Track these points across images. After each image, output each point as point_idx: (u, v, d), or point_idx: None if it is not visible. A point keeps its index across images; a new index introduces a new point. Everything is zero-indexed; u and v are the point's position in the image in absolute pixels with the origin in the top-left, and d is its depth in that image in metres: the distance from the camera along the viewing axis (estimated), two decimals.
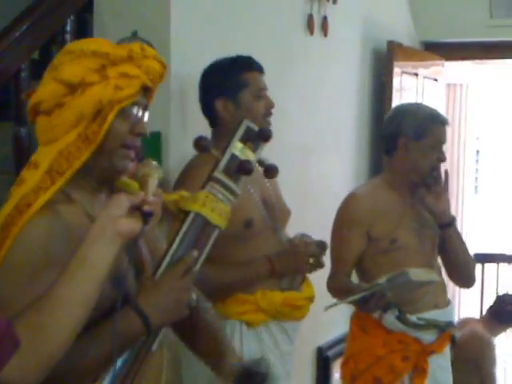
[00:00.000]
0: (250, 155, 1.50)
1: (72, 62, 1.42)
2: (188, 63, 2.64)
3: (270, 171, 1.55)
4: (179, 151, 2.60)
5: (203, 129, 2.43)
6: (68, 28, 2.62)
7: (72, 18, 2.64)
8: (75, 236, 1.34)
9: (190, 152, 2.38)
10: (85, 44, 1.46)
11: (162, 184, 1.48)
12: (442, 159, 2.66)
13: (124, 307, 1.36)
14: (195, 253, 1.43)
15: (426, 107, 2.85)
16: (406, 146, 2.67)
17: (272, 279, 2.38)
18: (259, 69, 2.42)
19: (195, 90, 2.51)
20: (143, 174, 1.43)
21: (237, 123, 1.54)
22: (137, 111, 1.47)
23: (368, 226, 2.65)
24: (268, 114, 2.41)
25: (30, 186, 1.39)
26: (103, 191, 1.51)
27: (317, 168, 3.77)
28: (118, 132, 1.44)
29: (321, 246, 2.43)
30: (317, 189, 3.76)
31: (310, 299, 2.50)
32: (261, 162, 1.55)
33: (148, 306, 1.37)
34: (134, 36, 2.54)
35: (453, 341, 2.79)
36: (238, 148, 1.50)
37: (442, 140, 2.68)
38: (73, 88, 1.41)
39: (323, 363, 3.92)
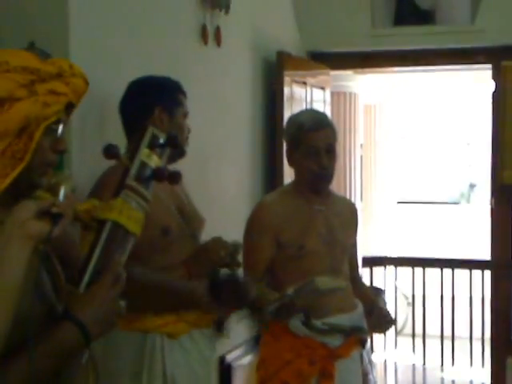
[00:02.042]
0: (157, 162, 1.51)
1: (0, 76, 1.37)
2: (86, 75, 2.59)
3: (174, 177, 1.56)
4: (80, 164, 2.56)
5: (104, 141, 2.40)
6: None
7: None
8: None
9: (91, 165, 2.37)
10: (9, 55, 1.41)
11: (74, 193, 1.46)
12: (320, 164, 2.67)
13: (58, 319, 1.33)
14: (122, 260, 1.42)
15: (307, 114, 2.86)
16: (291, 156, 2.74)
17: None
18: (186, 94, 2.56)
19: (94, 100, 2.49)
20: (55, 183, 1.41)
21: (141, 130, 1.54)
22: (59, 128, 1.45)
23: (276, 233, 2.69)
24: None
25: None
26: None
27: (214, 177, 3.80)
28: (42, 149, 1.42)
29: (234, 245, 2.44)
30: (215, 195, 3.79)
31: None
32: (165, 169, 1.56)
33: (85, 316, 1.34)
34: (32, 47, 2.48)
35: (362, 345, 2.85)
36: (145, 154, 1.50)
37: (318, 145, 2.67)
38: None
39: (226, 372, 3.93)
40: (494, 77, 5.12)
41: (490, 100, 5.19)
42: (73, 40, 2.54)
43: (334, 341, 2.69)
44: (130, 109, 2.47)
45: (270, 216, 2.71)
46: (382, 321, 2.79)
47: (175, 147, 1.55)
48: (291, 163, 2.78)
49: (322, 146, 2.67)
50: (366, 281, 6.58)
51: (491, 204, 5.20)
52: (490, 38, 4.96)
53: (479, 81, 7.52)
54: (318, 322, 2.64)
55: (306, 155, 2.68)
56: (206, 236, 2.56)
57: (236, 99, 4.17)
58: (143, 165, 1.49)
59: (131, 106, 2.47)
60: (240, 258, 2.47)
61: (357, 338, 2.79)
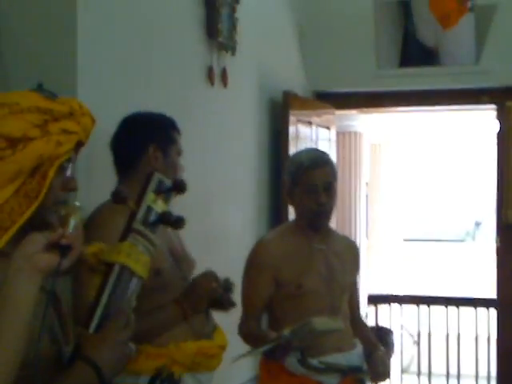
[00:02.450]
0: (163, 206, 1.55)
1: (13, 116, 1.41)
2: (95, 116, 2.64)
3: (179, 222, 1.59)
4: (86, 202, 2.58)
5: (108, 180, 2.43)
6: None
7: None
8: None
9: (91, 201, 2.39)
10: (19, 97, 1.45)
11: (84, 225, 1.48)
12: (319, 202, 2.68)
13: (73, 360, 1.34)
14: (133, 304, 1.44)
15: (306, 153, 2.87)
16: (290, 194, 2.77)
17: (184, 327, 2.37)
18: (179, 131, 2.51)
19: (101, 142, 2.52)
20: (64, 214, 1.43)
21: (146, 175, 1.58)
22: (70, 167, 1.48)
23: (275, 271, 2.70)
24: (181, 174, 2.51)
25: None
26: None
27: (219, 217, 3.82)
28: (54, 188, 1.45)
29: (226, 280, 2.43)
30: (219, 236, 3.81)
31: (223, 347, 2.50)
32: (170, 213, 1.59)
33: (100, 358, 1.36)
34: (40, 88, 2.52)
35: None
36: (151, 199, 1.54)
37: (315, 183, 2.69)
38: (13, 142, 1.40)
39: None
40: (499, 117, 5.16)
41: (495, 139, 5.22)
42: (81, 81, 2.58)
43: (331, 380, 2.67)
44: (123, 146, 2.43)
45: (269, 254, 2.72)
46: (376, 370, 2.77)
47: (182, 192, 1.58)
48: (291, 201, 2.81)
49: (320, 183, 2.69)
50: (371, 319, 6.56)
51: (496, 242, 5.20)
52: (494, 79, 5.01)
53: (484, 119, 7.57)
54: (314, 361, 2.63)
55: (305, 193, 2.70)
56: None
57: (242, 138, 4.22)
58: (149, 209, 1.52)
59: (124, 144, 2.43)
60: (233, 296, 2.46)
61: (355, 378, 2.78)
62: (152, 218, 1.52)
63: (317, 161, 2.73)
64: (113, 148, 2.46)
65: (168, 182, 1.57)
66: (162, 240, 2.38)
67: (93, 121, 1.53)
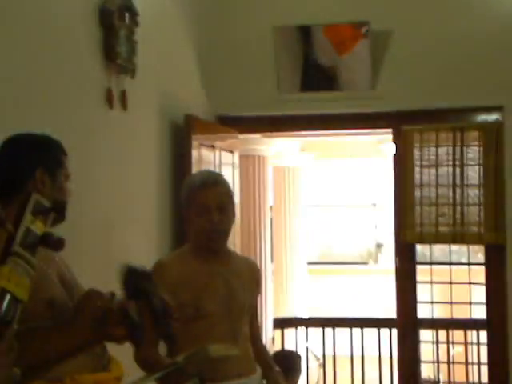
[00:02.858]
0: (41, 227, 1.52)
1: None
2: None
3: (58, 244, 1.56)
4: None
5: None
6: None
7: None
8: None
9: None
10: None
11: None
12: (211, 221, 2.70)
13: None
14: (14, 328, 1.39)
15: (199, 174, 2.92)
16: (186, 216, 2.77)
17: (80, 359, 2.29)
18: (66, 154, 2.40)
19: None
20: None
21: (25, 196, 1.54)
22: None
23: (172, 294, 2.67)
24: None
25: None
26: None
27: (120, 242, 3.76)
28: None
29: (111, 293, 2.34)
30: (120, 260, 3.74)
31: (119, 378, 2.44)
32: (49, 235, 1.56)
33: None
34: None
35: None
36: (29, 220, 1.51)
37: (208, 203, 2.71)
38: None
39: None
40: (395, 140, 5.32)
41: (392, 162, 5.38)
42: None
43: None
44: (7, 170, 2.28)
45: (165, 276, 2.69)
46: None
47: (61, 213, 1.56)
48: (187, 224, 2.81)
49: (212, 203, 2.71)
50: (278, 342, 6.60)
51: (395, 263, 5.33)
52: (389, 104, 5.18)
53: (384, 142, 7.80)
54: None
55: (198, 214, 2.71)
56: None
57: (144, 162, 4.18)
58: (28, 231, 1.49)
59: (8, 168, 2.28)
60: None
61: None
62: (31, 239, 1.49)
63: (208, 181, 2.76)
64: None
65: (46, 203, 1.55)
66: (52, 269, 2.31)
67: None
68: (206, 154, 4.85)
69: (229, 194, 2.80)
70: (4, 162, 2.30)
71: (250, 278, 2.88)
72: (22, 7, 2.89)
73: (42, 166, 2.27)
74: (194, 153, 4.65)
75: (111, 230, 3.69)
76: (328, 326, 6.57)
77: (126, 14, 3.67)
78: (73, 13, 3.31)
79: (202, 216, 2.70)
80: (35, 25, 2.98)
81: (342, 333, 6.46)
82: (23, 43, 2.88)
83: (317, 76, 5.27)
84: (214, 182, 2.75)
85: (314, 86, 5.28)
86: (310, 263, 8.80)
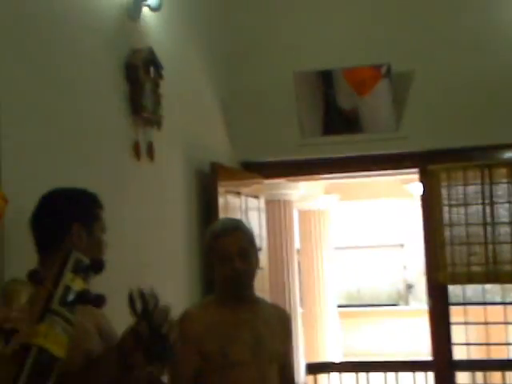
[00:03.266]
0: (81, 285, 1.53)
1: None
2: (18, 197, 2.60)
3: (99, 301, 1.56)
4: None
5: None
6: None
7: None
8: None
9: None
10: None
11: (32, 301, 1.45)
12: (233, 268, 2.67)
13: None
14: None
15: (219, 222, 2.93)
16: (209, 265, 2.77)
17: None
18: (103, 207, 2.45)
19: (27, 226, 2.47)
20: (11, 290, 1.39)
21: (65, 254, 1.55)
22: None
23: (199, 343, 2.66)
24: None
25: None
26: None
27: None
28: None
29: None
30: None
31: None
32: (89, 292, 1.56)
33: None
34: None
35: None
36: (69, 278, 1.52)
37: (228, 250, 2.69)
38: None
39: None
40: (422, 179, 5.30)
41: (420, 202, 5.35)
42: (5, 166, 2.54)
43: None
44: (45, 225, 2.34)
45: (192, 326, 2.68)
46: None
47: (99, 271, 1.56)
48: (211, 273, 2.79)
49: (234, 249, 2.68)
50: None
51: (428, 304, 5.27)
52: (414, 144, 5.17)
53: (409, 182, 7.78)
54: None
55: (220, 261, 2.70)
56: None
57: (172, 211, 4.21)
58: (67, 289, 1.50)
59: (46, 222, 2.34)
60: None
61: None
62: (70, 297, 1.50)
63: (228, 228, 2.74)
64: (33, 226, 2.36)
65: (86, 261, 1.56)
66: (90, 322, 2.32)
67: (4, 201, 1.49)
68: (232, 200, 4.87)
69: (250, 239, 2.78)
70: (42, 217, 2.35)
71: (279, 326, 2.84)
72: (54, 64, 2.96)
73: (79, 220, 2.32)
74: (221, 199, 4.67)
75: (142, 279, 3.69)
76: (361, 370, 6.48)
77: (151, 68, 3.73)
78: (100, 69, 3.38)
79: (224, 263, 2.69)
80: (66, 82, 3.05)
81: (376, 376, 6.36)
82: (55, 99, 2.94)
83: (339, 119, 5.30)
84: (234, 228, 2.74)
85: (337, 130, 5.29)
86: (339, 306, 8.73)
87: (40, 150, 2.82)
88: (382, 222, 10.16)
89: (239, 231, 2.74)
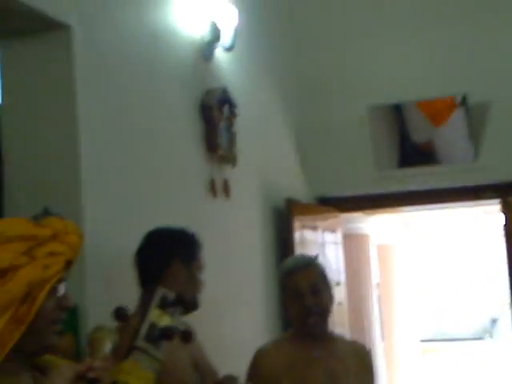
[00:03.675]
0: (168, 321, 1.56)
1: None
2: (100, 235, 2.69)
3: (186, 337, 1.60)
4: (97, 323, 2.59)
5: (119, 300, 2.45)
6: None
7: None
8: None
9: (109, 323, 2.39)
10: (4, 226, 1.47)
11: (116, 349, 1.50)
12: (305, 306, 2.62)
13: None
14: None
15: (291, 259, 2.88)
16: (283, 302, 2.76)
17: None
18: (202, 247, 2.59)
19: (109, 262, 2.55)
20: (95, 338, 1.45)
21: (151, 291, 1.61)
22: (62, 286, 1.49)
23: (274, 381, 2.66)
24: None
25: None
26: (26, 369, 1.48)
27: (231, 326, 3.81)
28: (47, 310, 1.45)
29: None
30: (231, 345, 3.78)
31: None
32: (176, 328, 1.60)
33: None
34: (46, 211, 2.58)
35: None
36: (155, 315, 1.56)
37: (300, 287, 2.65)
38: (2, 273, 1.40)
39: None
40: (504, 210, 5.18)
41: (502, 233, 5.23)
42: (85, 204, 2.65)
43: None
44: (148, 259, 2.48)
45: (266, 365, 2.66)
46: None
47: (184, 306, 1.60)
48: (285, 310, 2.79)
49: (305, 287, 2.64)
50: None
51: None
52: (493, 175, 5.07)
53: (489, 212, 7.61)
54: None
55: (292, 299, 2.68)
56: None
57: (248, 247, 4.25)
58: (153, 325, 1.54)
59: (149, 257, 2.48)
60: None
61: None
62: (155, 334, 1.54)
63: (299, 264, 2.70)
64: (136, 262, 2.51)
65: (171, 297, 1.59)
66: (185, 354, 2.39)
67: (80, 237, 1.54)
68: (309, 234, 4.88)
69: (322, 275, 2.75)
70: (144, 253, 2.50)
71: (356, 361, 2.78)
72: (133, 106, 3.09)
73: (179, 256, 2.46)
74: (297, 234, 4.69)
75: (221, 314, 3.74)
76: None
77: (225, 107, 3.82)
78: (177, 109, 3.49)
79: (296, 301, 2.67)
80: (145, 123, 3.17)
81: None
82: (134, 140, 3.05)
83: (414, 151, 5.26)
84: (306, 265, 2.70)
85: (413, 162, 5.25)
86: (422, 340, 8.55)
87: (120, 189, 2.92)
88: (463, 254, 9.94)
89: (311, 267, 2.72)
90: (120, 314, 1.58)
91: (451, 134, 5.07)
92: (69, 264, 1.52)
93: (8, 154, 2.74)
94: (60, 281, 1.48)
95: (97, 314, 2.63)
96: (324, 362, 2.68)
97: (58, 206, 2.54)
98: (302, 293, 2.65)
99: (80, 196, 2.65)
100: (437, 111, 5.06)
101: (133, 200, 3.00)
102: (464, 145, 5.09)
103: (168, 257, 2.45)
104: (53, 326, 1.47)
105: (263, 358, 2.71)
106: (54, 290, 1.47)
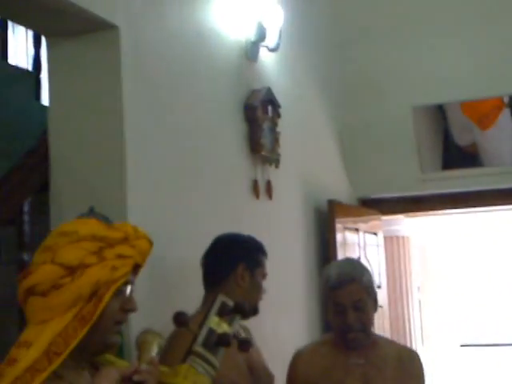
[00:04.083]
0: (226, 328, 1.56)
1: (71, 246, 1.46)
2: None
3: (244, 345, 1.60)
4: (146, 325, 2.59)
5: (168, 302, 2.46)
6: (26, 209, 2.66)
7: (29, 199, 2.69)
8: None
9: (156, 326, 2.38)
10: (78, 225, 1.52)
11: (163, 352, 1.50)
12: (346, 322, 2.57)
13: None
14: None
15: (335, 268, 2.72)
16: (326, 309, 2.72)
17: None
18: (267, 256, 2.68)
19: (150, 263, 2.54)
20: (142, 341, 1.46)
21: (212, 299, 1.62)
22: (128, 289, 1.52)
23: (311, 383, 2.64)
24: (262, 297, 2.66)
25: (24, 367, 1.38)
26: (85, 367, 1.51)
27: (272, 329, 3.79)
28: (112, 310, 1.48)
29: None
30: (273, 348, 3.75)
31: None
32: (235, 336, 1.60)
33: None
34: (92, 212, 2.59)
35: None
36: (214, 322, 1.56)
37: (342, 303, 2.57)
38: (71, 270, 1.44)
39: None
40: None
41: None
42: (130, 205, 2.65)
43: None
44: (214, 262, 2.56)
45: (304, 367, 2.65)
46: None
47: (243, 314, 1.60)
48: (326, 315, 2.75)
49: (348, 303, 2.57)
50: None
51: None
52: None
53: None
54: None
55: (334, 312, 2.62)
56: None
57: (290, 249, 4.23)
58: (211, 332, 1.54)
59: (215, 259, 2.55)
60: None
61: None
62: (213, 340, 1.55)
63: (342, 279, 2.60)
64: (203, 264, 2.59)
65: (231, 304, 1.59)
66: (242, 357, 2.40)
67: (150, 243, 1.58)
68: (350, 236, 4.84)
69: (366, 289, 2.61)
70: (211, 257, 2.58)
71: (398, 369, 2.71)
72: (179, 106, 3.09)
73: (245, 262, 2.54)
74: (339, 236, 4.65)
75: (263, 318, 3.71)
76: None
77: (269, 107, 3.80)
78: (221, 110, 3.49)
79: (338, 315, 2.61)
80: (189, 123, 3.17)
81: None
82: (179, 140, 3.06)
83: (458, 153, 5.19)
84: (350, 280, 2.58)
85: (456, 164, 5.19)
86: (462, 345, 8.43)
87: (164, 189, 2.93)
88: (506, 257, 9.78)
89: (355, 282, 2.59)
90: (179, 319, 1.59)
91: (497, 137, 4.99)
92: (137, 268, 1.55)
93: (55, 154, 2.76)
94: (126, 283, 1.51)
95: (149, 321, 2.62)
96: (361, 368, 2.63)
97: (103, 207, 2.57)
98: (344, 309, 2.58)
99: (125, 197, 2.66)
100: (483, 114, 4.98)
101: (176, 200, 3.01)
102: (509, 147, 5.00)
103: (234, 261, 2.53)
104: (115, 326, 1.50)
105: (300, 360, 2.69)
106: (119, 291, 1.49)
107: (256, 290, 2.55)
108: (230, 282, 2.50)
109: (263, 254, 2.64)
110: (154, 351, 1.45)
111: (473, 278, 9.97)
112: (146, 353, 1.44)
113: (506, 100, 4.89)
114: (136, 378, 1.34)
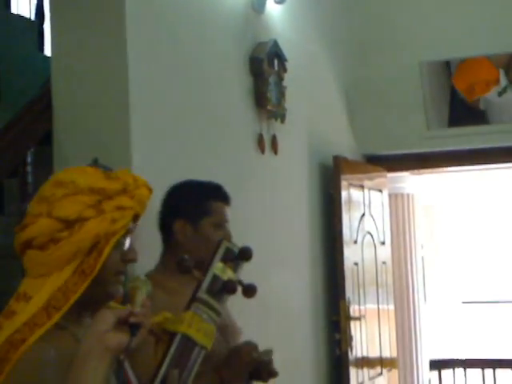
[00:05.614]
0: (231, 275, 1.53)
1: (68, 199, 1.43)
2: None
3: (250, 291, 1.57)
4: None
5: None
6: (29, 160, 2.65)
7: (32, 149, 2.67)
8: (67, 363, 1.33)
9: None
10: (75, 175, 1.47)
11: (151, 298, 1.48)
12: None
13: None
14: (192, 372, 1.42)
15: None
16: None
17: None
18: (225, 199, 2.34)
19: (154, 215, 2.54)
20: (131, 287, 1.44)
21: (215, 243, 1.57)
22: (128, 239, 1.50)
23: None
24: None
25: (23, 320, 1.38)
26: (87, 315, 1.51)
27: (276, 283, 3.79)
28: (112, 262, 1.46)
29: (266, 351, 2.33)
30: (276, 304, 3.77)
31: None
32: (240, 282, 1.57)
33: None
34: (95, 163, 2.57)
35: None
36: (219, 268, 1.52)
37: None
38: (69, 224, 1.42)
39: None
40: None
41: None
42: (135, 156, 2.63)
43: None
44: (159, 220, 2.37)
45: None
46: None
47: (248, 260, 1.57)
48: None
49: None
50: None
51: None
52: None
53: None
54: None
55: None
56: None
57: (294, 204, 4.22)
58: (215, 278, 1.51)
59: (159, 218, 2.36)
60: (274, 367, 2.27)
61: None
62: (217, 286, 1.51)
63: None
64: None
65: (236, 249, 1.56)
66: None
67: (149, 190, 1.54)
68: (355, 193, 4.82)
69: None
70: (159, 213, 2.36)
71: None
72: (183, 57, 3.06)
73: (182, 217, 2.28)
74: (344, 193, 4.63)
75: (266, 271, 3.72)
76: (488, 367, 6.29)
77: (275, 61, 3.75)
78: (226, 62, 3.45)
79: None
80: (194, 75, 3.14)
81: (504, 373, 6.15)
82: (183, 92, 3.02)
83: (465, 110, 5.14)
84: None
85: (463, 121, 5.14)
86: (464, 302, 8.48)
87: (168, 138, 2.91)
88: (510, 216, 9.78)
89: None
90: (183, 264, 1.55)
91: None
92: (136, 217, 1.53)
93: (58, 104, 2.73)
94: (126, 234, 1.49)
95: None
96: None
97: (107, 157, 2.55)
98: None
99: (129, 147, 2.64)
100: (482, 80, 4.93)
101: (180, 152, 2.99)
102: None
103: (170, 217, 2.29)
104: (116, 277, 1.49)
105: None
106: (119, 242, 1.47)
107: (204, 243, 2.19)
108: (173, 238, 2.26)
109: (214, 198, 2.28)
110: (140, 296, 1.43)
111: (476, 237, 9.99)
112: (137, 297, 1.43)
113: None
114: (132, 320, 1.33)
